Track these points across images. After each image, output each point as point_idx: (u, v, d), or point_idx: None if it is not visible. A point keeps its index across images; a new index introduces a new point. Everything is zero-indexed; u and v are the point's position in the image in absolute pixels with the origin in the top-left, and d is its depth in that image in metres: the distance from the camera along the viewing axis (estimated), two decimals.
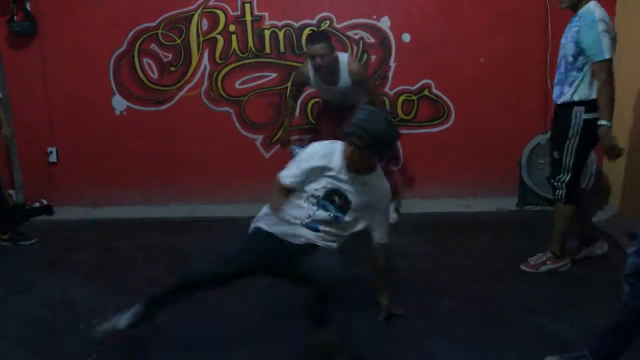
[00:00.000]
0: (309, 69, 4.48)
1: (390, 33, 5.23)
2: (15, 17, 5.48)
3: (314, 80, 4.57)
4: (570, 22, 3.52)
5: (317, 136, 5.04)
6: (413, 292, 3.57)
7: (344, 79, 4.44)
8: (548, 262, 3.77)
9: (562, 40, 3.55)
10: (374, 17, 5.26)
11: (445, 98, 5.29)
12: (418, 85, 5.27)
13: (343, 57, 4.45)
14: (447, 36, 5.18)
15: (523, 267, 3.81)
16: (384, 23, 5.25)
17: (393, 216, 4.96)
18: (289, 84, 5.34)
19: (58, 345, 3.14)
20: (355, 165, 2.89)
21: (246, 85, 5.49)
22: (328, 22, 5.30)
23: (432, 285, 3.67)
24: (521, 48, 5.15)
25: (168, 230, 5.07)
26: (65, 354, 3.04)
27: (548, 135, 4.86)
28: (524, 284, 3.61)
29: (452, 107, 5.30)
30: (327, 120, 4.89)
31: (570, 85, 3.46)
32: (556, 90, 3.60)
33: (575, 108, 3.46)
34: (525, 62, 5.17)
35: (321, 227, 2.93)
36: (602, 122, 3.34)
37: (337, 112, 4.70)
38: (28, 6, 5.49)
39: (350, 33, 5.30)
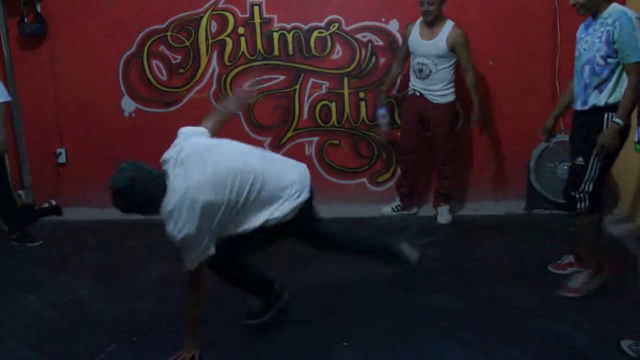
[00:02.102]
0: (416, 22, 4.83)
1: (398, 36, 5.22)
2: (25, 19, 5.51)
3: (413, 32, 4.82)
4: (588, 26, 3.42)
5: (401, 135, 5.15)
6: (420, 294, 3.57)
7: (442, 35, 4.71)
8: (591, 283, 3.52)
9: (583, 46, 3.41)
10: (383, 19, 5.26)
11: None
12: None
13: (449, 21, 4.75)
14: None
15: (566, 294, 3.47)
16: (393, 26, 5.25)
17: (447, 217, 5.01)
18: (296, 86, 5.37)
19: (65, 345, 3.16)
20: None
21: (255, 88, 5.49)
22: (337, 24, 5.30)
23: (440, 288, 3.66)
24: (530, 51, 5.13)
25: None
26: (72, 354, 3.06)
27: (557, 139, 4.88)
28: (531, 287, 3.60)
29: (460, 111, 5.29)
30: (408, 122, 5.04)
31: (600, 89, 3.31)
32: (581, 97, 3.42)
33: (607, 113, 3.30)
34: (533, 65, 5.15)
35: None
36: (617, 120, 3.24)
37: (418, 112, 4.92)
38: (38, 8, 5.52)
39: (359, 36, 5.30)
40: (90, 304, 3.66)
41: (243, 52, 5.45)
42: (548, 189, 4.99)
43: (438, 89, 4.82)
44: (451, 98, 4.86)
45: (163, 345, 3.10)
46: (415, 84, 4.92)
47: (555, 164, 4.94)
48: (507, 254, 4.23)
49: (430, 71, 4.79)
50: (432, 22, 4.72)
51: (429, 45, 4.75)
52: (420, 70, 4.83)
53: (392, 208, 5.20)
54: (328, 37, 5.34)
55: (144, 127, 5.64)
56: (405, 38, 4.95)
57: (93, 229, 5.28)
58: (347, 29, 5.31)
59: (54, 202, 5.72)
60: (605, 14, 3.29)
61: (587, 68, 3.38)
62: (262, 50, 5.43)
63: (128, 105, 5.66)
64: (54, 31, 5.59)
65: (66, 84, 5.64)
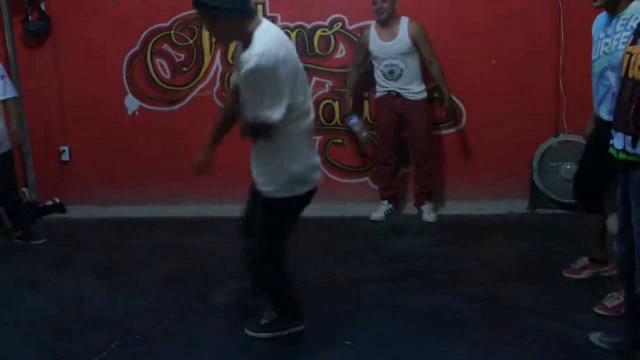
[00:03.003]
0: (371, 27, 4.87)
1: None
2: (30, 17, 5.52)
3: (372, 37, 4.83)
4: (605, 25, 3.14)
5: (379, 137, 5.15)
6: (421, 294, 3.56)
7: (402, 32, 4.74)
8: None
9: (602, 49, 3.14)
10: None
11: (456, 100, 5.27)
12: (429, 87, 5.24)
13: (404, 18, 4.79)
14: (458, 38, 5.17)
15: (600, 311, 3.19)
16: None
17: (433, 215, 5.01)
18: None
19: (68, 343, 3.16)
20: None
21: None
22: (340, 23, 5.30)
23: (442, 287, 3.66)
24: (533, 50, 5.12)
25: (178, 230, 5.08)
26: (74, 352, 3.07)
27: (560, 138, 4.88)
28: (534, 287, 3.59)
29: (463, 109, 5.28)
30: (386, 123, 5.03)
31: None
32: (605, 106, 3.16)
33: None
34: (537, 64, 5.14)
35: None
36: None
37: (396, 112, 4.90)
38: (43, 6, 5.53)
39: None
40: (93, 302, 3.67)
41: None
42: (551, 189, 4.98)
43: (414, 86, 4.85)
44: (425, 94, 4.90)
45: (165, 343, 3.11)
46: (387, 85, 4.91)
47: (558, 163, 4.93)
48: (510, 253, 4.23)
49: (402, 70, 4.80)
50: (387, 21, 4.75)
51: (392, 45, 4.77)
52: (391, 72, 4.83)
53: (385, 212, 5.10)
54: (331, 36, 5.34)
55: (148, 126, 5.65)
56: (363, 44, 4.97)
57: (96, 227, 5.29)
58: (351, 27, 5.30)
59: (57, 200, 5.74)
60: (626, 13, 3.00)
61: (611, 75, 3.07)
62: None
63: (131, 103, 5.67)
64: (58, 29, 5.60)
65: (70, 82, 5.65)
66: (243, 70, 2.57)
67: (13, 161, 4.90)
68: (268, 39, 2.61)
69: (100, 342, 3.10)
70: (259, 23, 2.68)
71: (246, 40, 2.66)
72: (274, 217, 2.89)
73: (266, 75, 2.54)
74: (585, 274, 3.64)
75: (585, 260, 3.68)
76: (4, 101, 4.78)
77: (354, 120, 5.11)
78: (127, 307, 3.57)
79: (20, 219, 4.98)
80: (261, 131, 2.74)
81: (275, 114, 2.60)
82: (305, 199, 2.89)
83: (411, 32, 4.73)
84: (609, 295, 3.26)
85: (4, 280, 4.11)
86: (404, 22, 4.77)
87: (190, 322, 3.33)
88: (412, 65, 4.81)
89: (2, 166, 4.72)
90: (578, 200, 3.61)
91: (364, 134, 5.11)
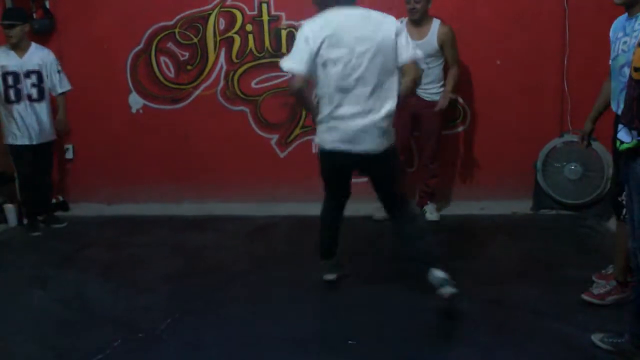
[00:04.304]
0: (403, 23, 4.66)
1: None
2: (34, 15, 5.53)
3: None
4: (623, 25, 3.14)
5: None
6: (426, 294, 3.55)
7: (432, 34, 4.73)
8: (613, 293, 3.33)
9: (620, 47, 3.14)
10: None
11: (461, 100, 5.26)
12: None
13: (436, 20, 4.78)
14: (463, 38, 5.14)
15: (587, 298, 3.34)
16: None
17: (436, 215, 5.01)
18: None
19: (71, 340, 3.17)
20: None
21: (262, 85, 5.51)
22: None
23: None
24: (538, 51, 5.11)
25: (182, 228, 5.09)
26: (78, 349, 3.07)
27: (564, 139, 4.87)
28: (538, 287, 3.58)
29: (468, 110, 5.28)
30: (402, 124, 4.85)
31: None
32: (622, 102, 3.02)
33: None
34: (542, 64, 5.13)
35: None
36: None
37: (410, 112, 4.83)
38: (47, 4, 5.53)
39: None
40: (97, 300, 3.67)
41: (251, 49, 5.46)
42: (555, 189, 4.97)
43: (432, 87, 4.83)
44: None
45: (169, 341, 3.11)
46: None
47: (562, 164, 4.92)
48: (513, 254, 4.22)
49: (423, 71, 4.77)
50: (419, 21, 4.74)
51: (420, 45, 4.67)
52: None
53: None
54: None
55: (152, 124, 5.65)
56: None
57: (100, 225, 5.30)
58: None
59: (61, 198, 5.74)
60: None
61: (627, 71, 3.00)
62: (269, 48, 5.43)
63: (135, 101, 5.67)
64: (63, 27, 5.60)
65: (74, 80, 5.62)
66: None
67: (53, 151, 5.31)
68: None
69: (104, 340, 3.10)
70: None
71: None
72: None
73: None
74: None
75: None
76: (61, 93, 5.17)
77: None
78: (131, 305, 3.57)
79: (47, 204, 5.33)
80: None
81: None
82: None
83: (440, 36, 4.72)
84: (596, 283, 3.42)
85: (8, 278, 4.12)
86: (435, 24, 4.75)
87: (194, 320, 3.33)
88: (435, 68, 4.80)
89: (45, 154, 5.15)
90: (614, 209, 3.36)
91: None
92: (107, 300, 3.65)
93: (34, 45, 5.06)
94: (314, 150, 5.47)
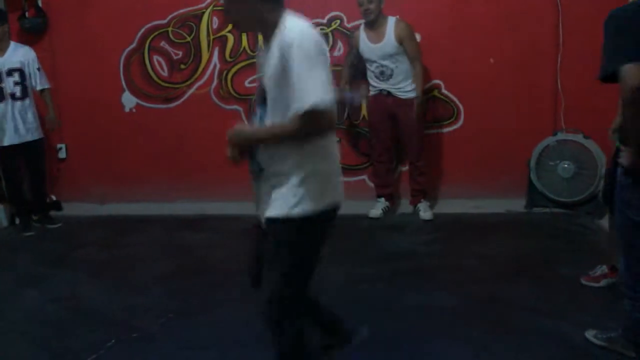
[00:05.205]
0: (360, 29, 4.89)
1: None
2: (26, 14, 5.51)
3: (361, 39, 4.86)
4: None
5: (372, 136, 5.15)
6: (420, 292, 3.56)
7: (389, 33, 4.74)
8: (608, 275, 3.53)
9: None
10: None
11: (454, 98, 5.27)
12: (428, 85, 5.24)
13: (391, 18, 4.79)
14: (457, 36, 5.16)
15: (585, 282, 3.55)
16: None
17: (430, 213, 5.02)
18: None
19: (66, 340, 3.15)
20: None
21: (256, 84, 5.49)
22: (338, 21, 5.30)
23: (440, 286, 3.66)
24: (531, 48, 5.12)
25: (176, 227, 5.08)
26: (72, 349, 3.05)
27: (558, 136, 4.88)
28: (532, 286, 3.59)
29: (461, 108, 5.28)
30: (379, 121, 5.05)
31: None
32: None
33: None
34: (535, 62, 5.14)
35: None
36: None
37: (387, 111, 4.92)
38: (39, 3, 5.51)
39: None
40: (90, 300, 3.66)
41: (244, 48, 5.45)
42: (549, 187, 4.98)
43: (404, 84, 4.85)
44: (414, 92, 4.86)
45: (163, 341, 3.10)
46: (378, 85, 4.94)
47: (556, 162, 4.93)
48: (507, 252, 4.22)
49: (392, 70, 4.83)
50: (374, 22, 4.76)
51: (381, 48, 4.78)
52: (382, 73, 4.86)
53: (382, 209, 5.12)
54: (330, 34, 5.33)
55: (145, 123, 5.63)
56: (354, 46, 5.00)
57: (93, 225, 5.29)
58: (349, 25, 5.30)
59: (53, 198, 5.72)
60: None
61: None
62: (263, 47, 5.41)
63: (129, 100, 5.66)
64: (55, 26, 5.59)
65: (67, 79, 5.64)
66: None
67: (44, 149, 5.26)
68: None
69: (98, 340, 3.10)
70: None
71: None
72: (302, 246, 2.31)
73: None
74: (604, 282, 3.54)
75: (604, 268, 3.58)
76: (41, 91, 5.14)
77: (349, 94, 5.13)
78: (125, 305, 3.56)
79: (42, 204, 5.31)
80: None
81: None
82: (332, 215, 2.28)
83: (397, 32, 4.74)
84: (597, 266, 3.55)
85: (1, 278, 4.10)
86: (390, 23, 4.77)
87: (188, 320, 3.32)
88: (402, 65, 4.82)
89: (34, 153, 5.12)
90: (605, 202, 3.49)
91: (357, 100, 5.20)
92: (101, 300, 3.64)
93: (13, 43, 5.10)
94: None
